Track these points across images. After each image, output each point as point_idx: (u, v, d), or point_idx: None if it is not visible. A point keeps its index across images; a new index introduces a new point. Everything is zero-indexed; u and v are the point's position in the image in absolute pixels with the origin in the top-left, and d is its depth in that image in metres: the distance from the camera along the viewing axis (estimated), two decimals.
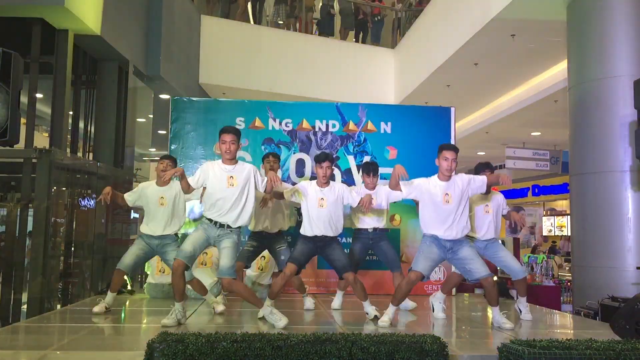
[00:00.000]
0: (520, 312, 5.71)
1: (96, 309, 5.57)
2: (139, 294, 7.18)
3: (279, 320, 4.88)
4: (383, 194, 5.94)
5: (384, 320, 5.08)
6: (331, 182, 5.54)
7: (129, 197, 5.76)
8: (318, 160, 5.49)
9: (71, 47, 7.84)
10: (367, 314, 5.40)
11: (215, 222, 4.98)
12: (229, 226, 4.98)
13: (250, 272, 6.94)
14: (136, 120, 10.24)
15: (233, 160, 5.06)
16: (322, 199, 5.38)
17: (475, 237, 5.60)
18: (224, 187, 4.96)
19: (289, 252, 5.85)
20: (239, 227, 5.05)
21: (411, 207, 7.28)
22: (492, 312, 5.29)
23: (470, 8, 9.38)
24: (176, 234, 5.83)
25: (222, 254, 4.97)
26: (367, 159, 7.48)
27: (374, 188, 6.02)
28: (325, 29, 14.20)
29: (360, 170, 6.67)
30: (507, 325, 5.08)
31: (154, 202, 5.63)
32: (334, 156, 7.47)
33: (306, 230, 5.41)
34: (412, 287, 5.25)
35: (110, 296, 5.72)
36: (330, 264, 5.59)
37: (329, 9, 14.24)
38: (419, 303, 6.32)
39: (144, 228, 5.70)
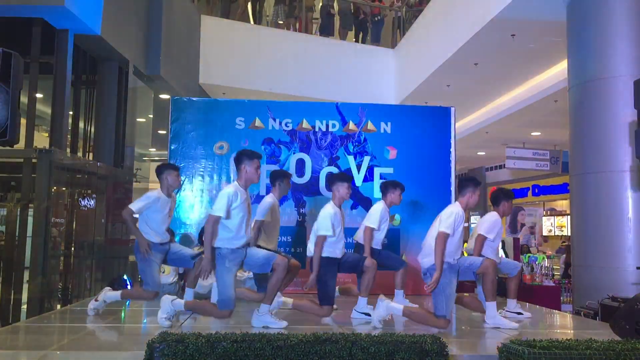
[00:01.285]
0: (517, 314, 5.71)
1: (92, 305, 5.49)
2: None
3: (277, 323, 4.88)
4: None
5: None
6: None
7: (135, 208, 5.40)
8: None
9: (71, 47, 7.84)
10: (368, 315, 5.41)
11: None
12: None
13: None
14: (136, 120, 10.24)
15: None
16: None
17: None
18: (247, 213, 4.89)
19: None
20: None
21: (412, 206, 7.30)
22: (486, 310, 5.19)
23: (470, 8, 9.37)
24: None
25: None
26: (367, 159, 7.49)
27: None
28: (325, 30, 14.20)
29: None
30: (511, 325, 5.07)
31: (165, 212, 5.44)
32: (334, 156, 7.50)
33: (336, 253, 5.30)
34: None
35: (113, 295, 5.51)
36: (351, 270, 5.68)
37: (329, 8, 14.24)
38: (419, 303, 6.31)
39: (156, 238, 5.34)
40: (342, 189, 5.33)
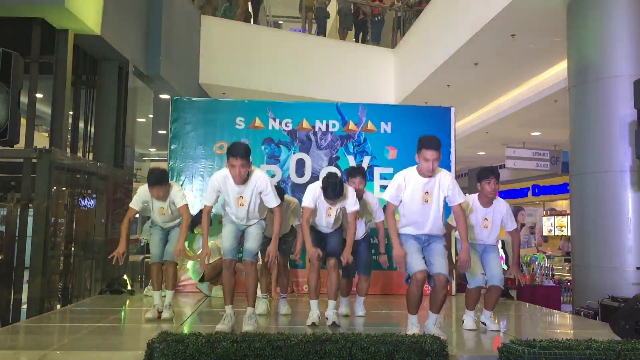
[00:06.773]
0: (485, 324, 5.29)
1: (149, 315, 5.41)
2: (139, 293, 7.18)
3: (250, 325, 4.80)
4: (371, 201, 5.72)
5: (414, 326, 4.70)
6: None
7: (135, 207, 5.55)
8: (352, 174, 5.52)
9: (71, 47, 7.83)
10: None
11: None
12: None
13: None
14: (136, 120, 10.23)
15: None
16: (329, 208, 5.28)
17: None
18: (236, 205, 4.84)
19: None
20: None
21: None
22: (428, 319, 4.72)
23: (470, 8, 9.37)
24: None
25: (249, 237, 4.89)
26: (367, 159, 7.49)
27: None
28: (319, 27, 14.23)
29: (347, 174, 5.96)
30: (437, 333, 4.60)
31: (155, 210, 5.50)
32: (334, 156, 7.50)
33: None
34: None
35: (157, 295, 5.53)
36: (326, 243, 5.45)
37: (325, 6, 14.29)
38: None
39: (156, 219, 5.54)
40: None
